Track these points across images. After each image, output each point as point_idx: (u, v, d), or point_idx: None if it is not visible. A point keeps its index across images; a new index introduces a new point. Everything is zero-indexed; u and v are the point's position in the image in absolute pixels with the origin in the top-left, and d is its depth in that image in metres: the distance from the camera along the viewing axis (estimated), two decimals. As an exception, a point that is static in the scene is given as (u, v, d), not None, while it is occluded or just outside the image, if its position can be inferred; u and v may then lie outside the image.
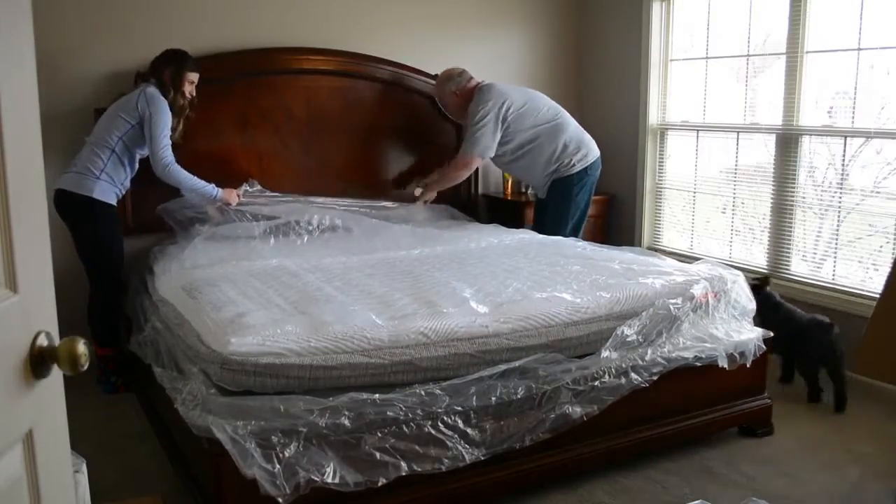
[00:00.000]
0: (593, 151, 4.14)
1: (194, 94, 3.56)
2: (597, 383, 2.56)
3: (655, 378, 2.66)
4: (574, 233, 4.12)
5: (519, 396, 2.42)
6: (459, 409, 2.34)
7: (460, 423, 2.35)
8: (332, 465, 2.16)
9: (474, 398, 2.36)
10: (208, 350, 2.26)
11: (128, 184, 3.48)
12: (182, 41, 3.84)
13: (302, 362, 2.21)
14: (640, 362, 2.65)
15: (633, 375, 2.62)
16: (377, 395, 2.24)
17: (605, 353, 2.60)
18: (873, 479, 2.73)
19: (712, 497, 2.57)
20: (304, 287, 2.87)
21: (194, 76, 3.54)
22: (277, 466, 2.09)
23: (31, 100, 1.02)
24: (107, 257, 3.41)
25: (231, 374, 2.17)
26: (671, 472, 2.76)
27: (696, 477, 2.73)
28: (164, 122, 3.35)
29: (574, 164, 4.05)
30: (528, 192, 4.66)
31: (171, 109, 3.42)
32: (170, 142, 3.40)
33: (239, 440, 2.06)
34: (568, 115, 4.18)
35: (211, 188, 3.56)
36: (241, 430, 2.08)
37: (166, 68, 3.45)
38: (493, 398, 2.38)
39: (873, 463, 2.85)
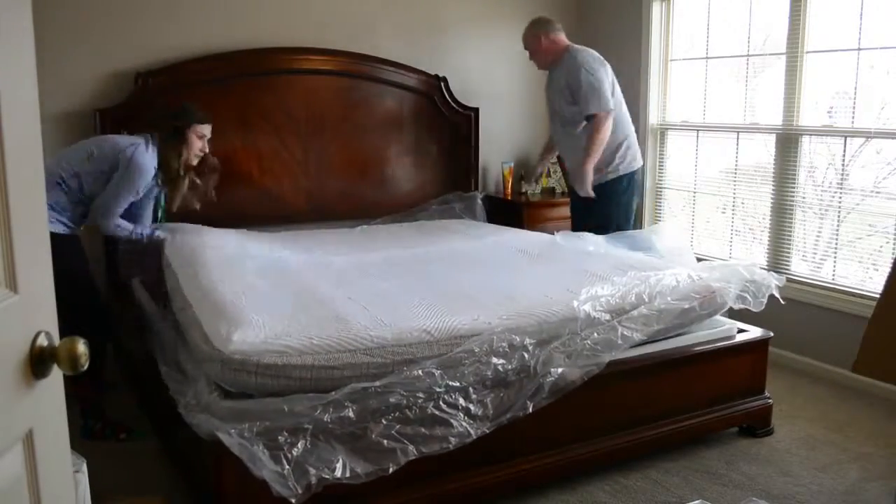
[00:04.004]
0: (639, 158, 3.99)
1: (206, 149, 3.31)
2: (588, 342, 2.54)
3: (651, 332, 2.66)
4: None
5: (513, 366, 2.40)
6: (457, 384, 2.31)
7: (461, 401, 2.32)
8: (340, 459, 2.14)
9: (471, 376, 2.33)
10: (210, 348, 2.26)
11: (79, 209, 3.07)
12: (182, 41, 3.86)
13: (304, 361, 2.20)
14: (628, 314, 2.65)
15: (623, 330, 2.60)
16: (377, 383, 2.22)
17: (578, 305, 2.60)
18: (873, 479, 2.73)
19: (712, 497, 2.57)
20: (309, 285, 2.87)
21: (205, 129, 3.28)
22: (287, 467, 2.06)
23: (31, 100, 1.02)
24: (73, 292, 2.80)
25: (232, 374, 2.16)
26: (671, 472, 2.76)
27: (696, 477, 2.73)
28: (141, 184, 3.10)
29: (625, 164, 3.88)
30: (529, 192, 4.66)
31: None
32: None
33: (246, 444, 2.04)
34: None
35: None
36: (248, 433, 2.06)
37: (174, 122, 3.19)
38: (489, 372, 2.36)
39: (873, 463, 2.85)
